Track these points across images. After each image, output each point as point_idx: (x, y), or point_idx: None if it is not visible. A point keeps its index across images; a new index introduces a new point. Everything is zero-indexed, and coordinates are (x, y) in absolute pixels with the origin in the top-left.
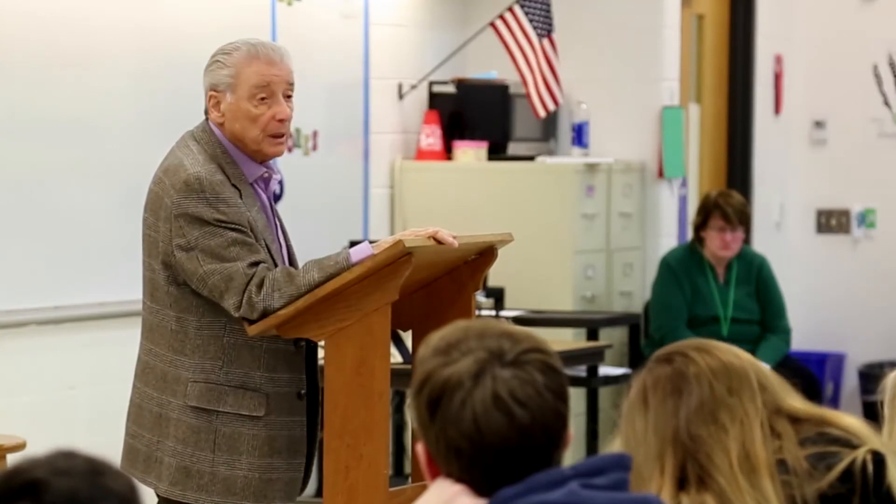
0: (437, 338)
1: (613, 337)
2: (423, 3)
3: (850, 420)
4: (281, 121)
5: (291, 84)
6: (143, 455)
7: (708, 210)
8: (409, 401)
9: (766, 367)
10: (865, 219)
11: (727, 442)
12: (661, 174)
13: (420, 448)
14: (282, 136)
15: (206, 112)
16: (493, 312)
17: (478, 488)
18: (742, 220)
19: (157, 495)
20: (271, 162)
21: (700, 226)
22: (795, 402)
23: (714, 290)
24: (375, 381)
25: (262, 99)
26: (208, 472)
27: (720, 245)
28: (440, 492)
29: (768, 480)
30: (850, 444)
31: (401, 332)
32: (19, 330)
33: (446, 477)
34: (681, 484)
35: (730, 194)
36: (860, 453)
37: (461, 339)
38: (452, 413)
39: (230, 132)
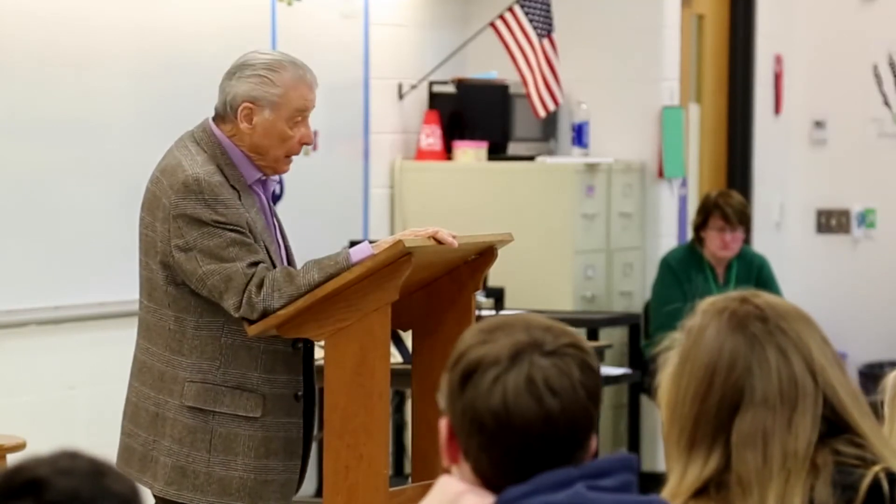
0: (481, 323)
1: (613, 337)
2: (423, 3)
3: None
4: (304, 144)
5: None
6: (139, 454)
7: (708, 210)
8: (443, 376)
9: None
10: (865, 219)
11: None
12: (661, 174)
13: (443, 424)
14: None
15: (220, 117)
16: (493, 312)
17: (491, 470)
18: (742, 220)
19: (153, 495)
20: None
21: (700, 226)
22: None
23: (714, 290)
24: (375, 381)
25: (297, 122)
26: (204, 473)
27: (720, 245)
28: (444, 490)
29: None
30: (863, 459)
31: (401, 332)
32: (19, 330)
33: (464, 453)
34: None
35: (730, 194)
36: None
37: (505, 324)
38: (484, 387)
39: (252, 143)
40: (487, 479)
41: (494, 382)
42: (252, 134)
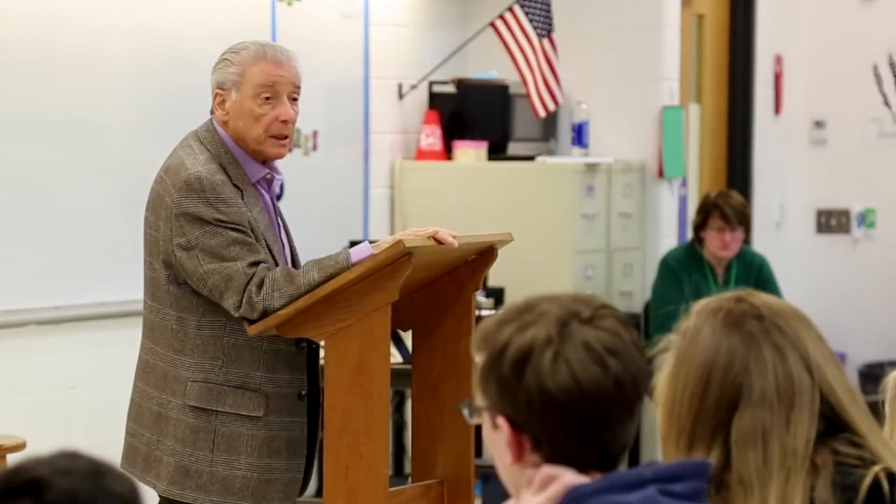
0: (497, 317)
1: None
2: (423, 3)
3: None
4: (284, 122)
5: (298, 87)
6: (142, 454)
7: (707, 210)
8: (478, 378)
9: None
10: (865, 219)
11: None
12: (661, 174)
13: (502, 422)
14: (284, 137)
15: (213, 113)
16: (493, 312)
17: (570, 447)
18: (741, 220)
19: (157, 494)
20: (274, 163)
21: (699, 226)
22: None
23: (714, 290)
24: (375, 381)
25: (267, 98)
26: (207, 472)
27: (719, 245)
28: (543, 476)
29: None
30: (863, 459)
31: (401, 332)
32: (19, 330)
33: (533, 443)
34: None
35: (729, 194)
36: (878, 473)
37: (528, 308)
38: (546, 368)
39: (233, 130)
40: (567, 459)
41: (555, 359)
42: (229, 120)
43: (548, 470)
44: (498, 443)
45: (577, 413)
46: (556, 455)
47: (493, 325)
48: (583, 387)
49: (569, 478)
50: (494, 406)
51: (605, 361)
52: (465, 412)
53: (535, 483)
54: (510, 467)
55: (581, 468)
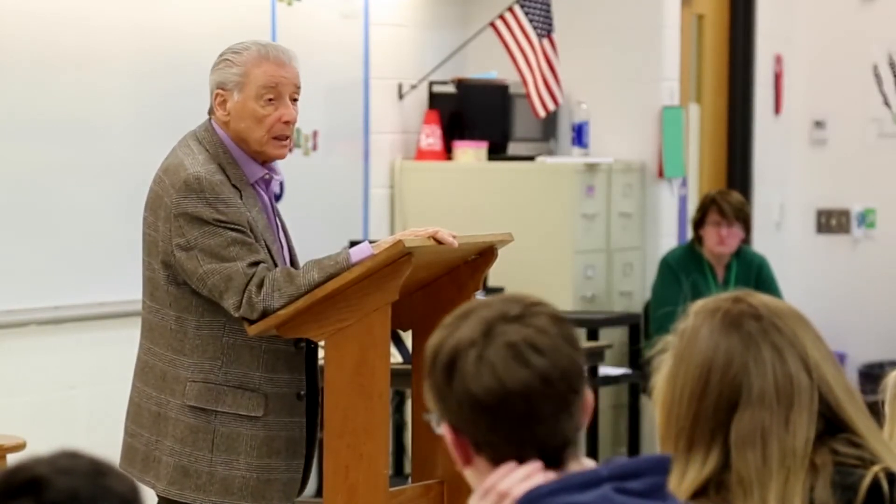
0: (443, 322)
1: (613, 337)
2: (423, 3)
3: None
4: (286, 123)
5: (298, 87)
6: (141, 454)
7: (706, 207)
8: (425, 384)
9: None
10: (865, 219)
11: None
12: (661, 174)
13: (444, 430)
14: (286, 138)
15: (211, 111)
16: None
17: (506, 448)
18: (738, 215)
19: (156, 495)
20: (273, 163)
21: (698, 223)
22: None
23: (714, 290)
24: (375, 381)
25: (270, 100)
26: (206, 472)
27: (716, 241)
28: (512, 475)
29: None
30: (862, 459)
31: (401, 332)
32: (19, 330)
33: (474, 447)
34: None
35: (728, 192)
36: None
37: (465, 311)
38: (470, 371)
39: (234, 131)
40: (506, 461)
41: (478, 361)
42: (230, 120)
43: (497, 488)
44: (450, 447)
45: (506, 413)
46: (496, 457)
47: (437, 331)
48: (507, 386)
49: (517, 493)
50: (437, 412)
51: (527, 359)
52: (432, 422)
53: (486, 501)
54: (466, 472)
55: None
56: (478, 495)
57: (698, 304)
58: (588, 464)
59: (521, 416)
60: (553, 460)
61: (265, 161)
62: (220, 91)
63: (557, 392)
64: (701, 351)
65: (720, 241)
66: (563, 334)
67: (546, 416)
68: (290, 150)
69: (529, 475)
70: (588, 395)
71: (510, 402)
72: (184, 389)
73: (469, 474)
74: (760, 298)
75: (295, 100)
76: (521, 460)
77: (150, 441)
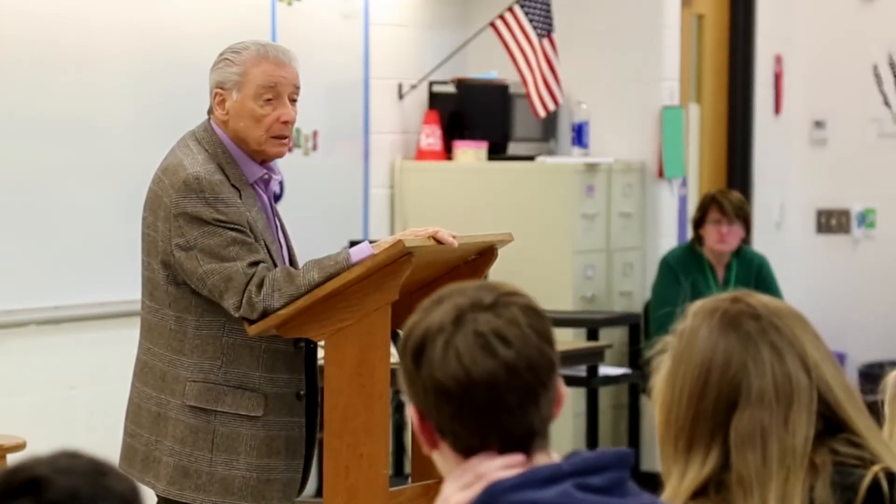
0: (419, 305)
1: (613, 337)
2: (423, 3)
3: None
4: (285, 123)
5: (297, 87)
6: (141, 454)
7: (706, 205)
8: (398, 363)
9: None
10: (865, 219)
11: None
12: (661, 174)
13: (412, 413)
14: (285, 137)
15: (210, 111)
16: None
17: (468, 437)
18: (738, 213)
19: (156, 495)
20: (272, 163)
21: (698, 222)
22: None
23: (714, 290)
24: (375, 381)
25: (268, 100)
26: (206, 472)
27: (717, 238)
28: (474, 469)
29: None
30: (862, 459)
31: (401, 332)
32: (19, 330)
33: (439, 433)
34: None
35: (728, 191)
36: (877, 473)
37: (440, 296)
38: (437, 357)
39: (233, 131)
40: (469, 448)
41: (445, 348)
42: (228, 120)
43: (475, 468)
44: (416, 431)
45: (470, 402)
46: (457, 445)
47: (411, 316)
48: (471, 375)
49: (493, 476)
50: (407, 395)
51: (494, 349)
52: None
53: (462, 480)
54: (432, 455)
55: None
56: (457, 472)
57: (697, 305)
58: (556, 457)
59: (484, 406)
60: (522, 447)
61: (264, 160)
62: (219, 90)
63: (524, 383)
64: (700, 351)
65: (721, 239)
66: (534, 326)
67: (511, 407)
68: (290, 150)
69: (510, 465)
70: (560, 387)
71: (474, 392)
72: (183, 389)
73: (436, 458)
74: (759, 298)
75: (294, 100)
76: (484, 450)
77: (149, 441)
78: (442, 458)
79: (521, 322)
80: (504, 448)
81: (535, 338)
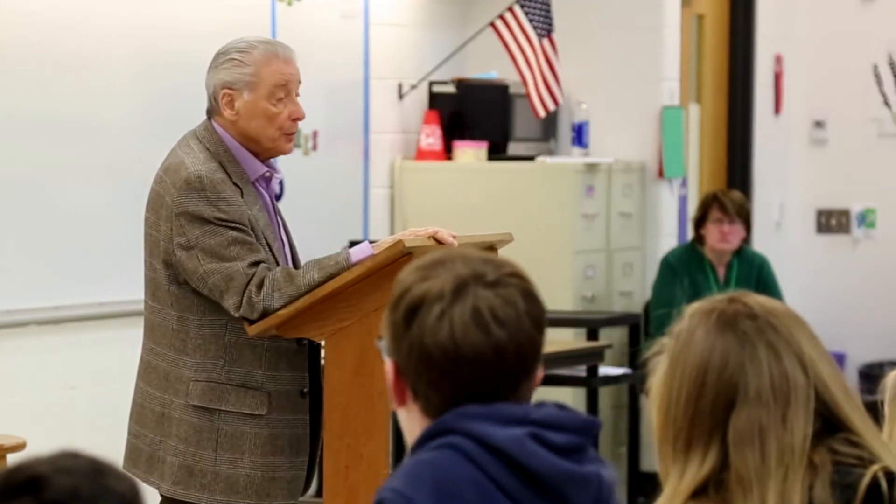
0: (418, 260)
1: (613, 337)
2: (423, 3)
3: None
4: (295, 119)
5: (300, 83)
6: (145, 455)
7: (707, 204)
8: (384, 314)
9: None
10: (865, 219)
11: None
12: (661, 174)
13: (388, 366)
14: (293, 133)
15: (210, 110)
16: None
17: (442, 406)
18: (740, 212)
19: (161, 495)
20: (273, 161)
21: (699, 221)
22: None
23: (714, 290)
24: (375, 381)
25: (280, 98)
26: (211, 471)
27: (718, 237)
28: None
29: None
30: (861, 458)
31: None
32: (19, 330)
33: (412, 392)
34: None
35: (730, 191)
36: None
37: (444, 259)
38: (430, 323)
39: (243, 130)
40: (439, 416)
41: (440, 317)
42: (238, 120)
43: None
44: (389, 384)
45: (452, 374)
46: (427, 409)
47: (408, 270)
48: (460, 349)
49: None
50: (388, 348)
51: (488, 328)
52: (381, 350)
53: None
54: (398, 410)
55: None
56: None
57: (693, 306)
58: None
59: (465, 381)
60: None
61: (273, 157)
62: (228, 91)
63: (508, 367)
64: (697, 352)
65: (722, 238)
66: (531, 312)
67: (490, 387)
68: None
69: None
70: (539, 373)
71: (459, 365)
72: (187, 389)
73: (401, 413)
74: (755, 298)
75: (297, 95)
76: None
77: (154, 441)
78: (408, 415)
79: (519, 306)
80: None
81: (529, 325)
